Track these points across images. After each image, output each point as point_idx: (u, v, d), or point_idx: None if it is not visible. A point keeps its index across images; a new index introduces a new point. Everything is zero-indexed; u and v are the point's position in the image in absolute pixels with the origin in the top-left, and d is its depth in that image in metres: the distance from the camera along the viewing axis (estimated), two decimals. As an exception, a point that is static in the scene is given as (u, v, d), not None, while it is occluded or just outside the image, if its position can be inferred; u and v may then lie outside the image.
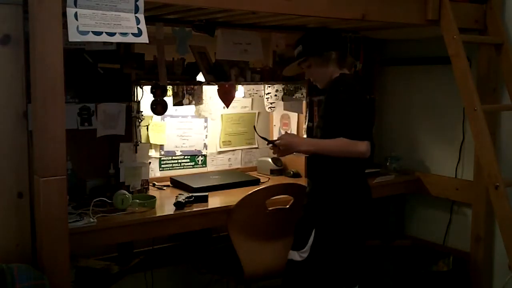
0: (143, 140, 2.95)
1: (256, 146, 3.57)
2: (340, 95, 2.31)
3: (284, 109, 3.36)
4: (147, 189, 2.84)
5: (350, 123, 2.27)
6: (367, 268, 2.74)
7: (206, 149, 3.34)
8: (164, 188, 2.99)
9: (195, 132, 3.28)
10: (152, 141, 3.12)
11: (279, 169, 3.37)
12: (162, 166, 3.20)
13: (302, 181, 3.09)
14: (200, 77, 2.98)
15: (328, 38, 2.51)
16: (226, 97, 3.02)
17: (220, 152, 3.42)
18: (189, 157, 3.29)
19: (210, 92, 3.14)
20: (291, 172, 3.32)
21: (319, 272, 2.42)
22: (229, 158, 3.46)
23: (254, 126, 3.25)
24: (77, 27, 1.83)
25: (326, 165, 2.37)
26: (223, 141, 3.42)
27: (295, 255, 2.44)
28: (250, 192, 2.63)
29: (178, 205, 2.54)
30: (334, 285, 2.48)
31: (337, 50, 2.44)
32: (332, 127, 2.32)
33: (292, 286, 2.49)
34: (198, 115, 3.22)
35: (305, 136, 3.23)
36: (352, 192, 2.41)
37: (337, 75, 2.43)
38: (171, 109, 2.93)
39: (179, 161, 3.26)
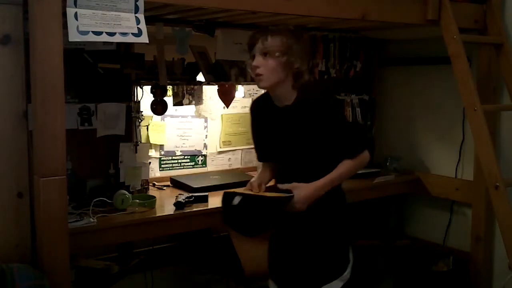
0: (143, 140, 2.95)
1: (256, 146, 3.57)
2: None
3: (284, 109, 3.35)
4: (147, 189, 2.84)
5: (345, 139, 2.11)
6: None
7: (206, 149, 3.34)
8: (164, 188, 2.99)
9: (195, 132, 3.28)
10: (152, 141, 3.12)
11: (279, 169, 3.36)
12: (162, 166, 3.20)
13: (302, 181, 3.08)
14: (200, 77, 2.98)
15: None
16: (226, 97, 3.02)
17: (220, 152, 3.42)
18: (189, 157, 3.29)
19: (210, 92, 3.13)
20: (291, 172, 3.31)
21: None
22: (229, 158, 3.46)
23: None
24: (77, 27, 1.83)
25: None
26: (223, 141, 3.42)
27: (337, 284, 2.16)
28: (250, 192, 2.62)
29: (178, 205, 2.54)
30: None
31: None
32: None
33: None
34: (198, 115, 3.22)
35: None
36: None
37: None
38: (171, 109, 2.93)
39: (179, 161, 3.26)
